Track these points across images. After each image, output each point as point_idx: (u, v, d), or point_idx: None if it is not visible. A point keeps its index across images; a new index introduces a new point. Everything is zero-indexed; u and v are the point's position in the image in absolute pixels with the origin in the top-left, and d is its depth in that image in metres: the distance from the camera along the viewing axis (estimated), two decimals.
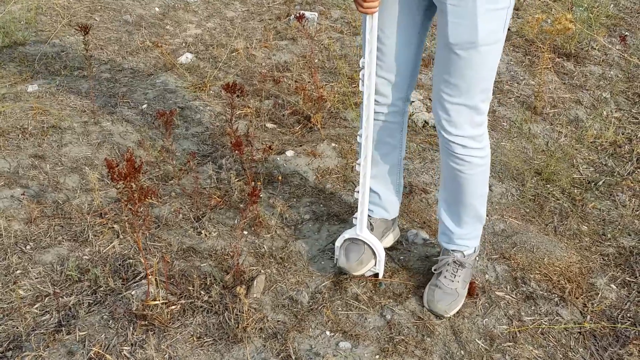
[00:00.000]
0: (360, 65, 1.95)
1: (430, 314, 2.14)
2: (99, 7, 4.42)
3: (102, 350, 1.93)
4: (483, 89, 1.89)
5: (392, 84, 2.06)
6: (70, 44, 3.90)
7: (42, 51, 3.77)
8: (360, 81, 1.97)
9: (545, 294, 2.29)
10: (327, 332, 2.04)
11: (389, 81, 2.05)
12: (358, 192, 2.12)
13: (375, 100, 2.03)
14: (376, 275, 2.26)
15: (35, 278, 2.22)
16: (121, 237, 2.43)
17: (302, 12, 3.45)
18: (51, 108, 3.21)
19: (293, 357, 1.95)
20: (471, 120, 1.93)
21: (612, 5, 5.01)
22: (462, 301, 2.17)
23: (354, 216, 2.18)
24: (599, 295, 2.32)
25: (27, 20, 4.08)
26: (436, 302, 2.13)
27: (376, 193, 2.27)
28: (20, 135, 2.97)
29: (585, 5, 4.80)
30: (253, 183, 2.57)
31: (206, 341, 1.98)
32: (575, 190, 2.88)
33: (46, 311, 2.10)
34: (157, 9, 4.50)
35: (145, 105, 3.32)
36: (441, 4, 1.81)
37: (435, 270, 2.23)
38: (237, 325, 2.01)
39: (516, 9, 4.85)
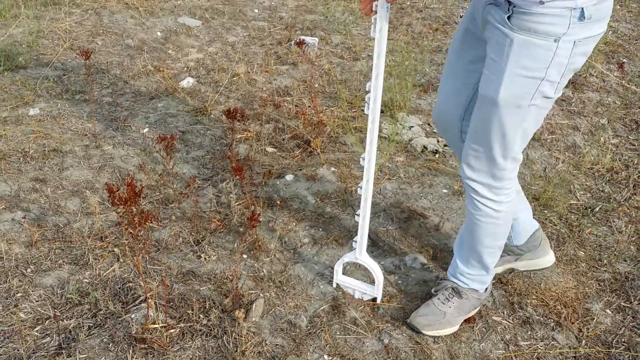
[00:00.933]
0: (367, 89, 1.97)
1: (428, 338, 2.15)
2: (101, 31, 4.47)
3: None
4: (502, 145, 1.87)
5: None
6: (72, 67, 3.95)
7: (43, 74, 3.82)
8: (366, 104, 1.99)
9: (542, 319, 2.30)
10: (325, 356, 2.05)
11: (441, 115, 2.16)
12: (358, 215, 2.14)
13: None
14: (374, 299, 2.28)
15: (36, 301, 2.24)
16: (121, 260, 2.44)
17: (302, 37, 3.50)
18: (52, 131, 3.24)
19: None
20: (489, 170, 1.94)
21: (610, 32, 5.08)
22: (449, 329, 2.17)
23: (354, 239, 2.21)
24: (594, 320, 2.33)
25: (28, 44, 4.14)
26: (417, 316, 2.16)
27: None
28: (21, 159, 3.00)
29: None
30: (253, 207, 2.60)
31: None
32: (573, 216, 2.90)
33: (47, 334, 2.11)
34: (159, 33, 4.55)
35: (146, 129, 3.36)
36: (486, 55, 1.84)
37: (433, 291, 2.25)
38: (235, 349, 2.03)
39: None
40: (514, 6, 1.67)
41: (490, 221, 2.04)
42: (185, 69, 4.11)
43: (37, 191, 2.80)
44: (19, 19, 4.43)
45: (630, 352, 2.20)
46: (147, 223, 1.95)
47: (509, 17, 1.69)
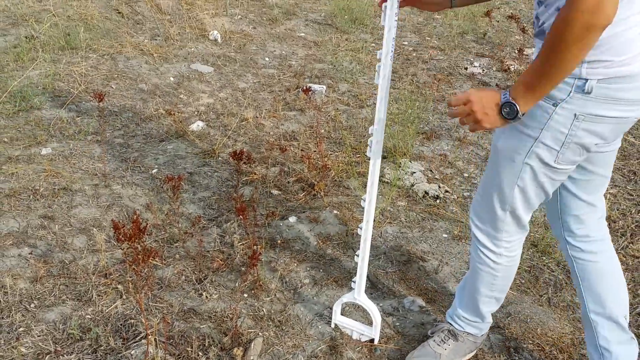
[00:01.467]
0: (370, 132, 2.03)
1: None
2: (116, 75, 4.61)
3: None
4: (500, 195, 1.87)
5: (552, 222, 2.09)
6: (86, 109, 4.07)
7: (57, 116, 3.93)
8: (369, 147, 2.05)
9: None
10: None
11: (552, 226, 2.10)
12: (358, 255, 2.18)
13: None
14: (372, 340, 2.30)
15: (38, 336, 2.27)
16: (124, 297, 2.48)
17: (309, 84, 3.60)
18: (63, 170, 3.33)
19: None
20: (490, 219, 1.94)
21: None
22: None
23: (353, 280, 2.24)
24: None
25: (44, 86, 4.27)
26: (413, 357, 2.18)
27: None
28: (31, 196, 3.08)
29: None
30: (255, 247, 2.64)
31: None
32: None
33: None
34: (172, 78, 4.68)
35: (155, 170, 3.44)
36: None
37: (429, 332, 2.27)
38: None
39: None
40: None
41: (487, 270, 2.04)
42: (196, 112, 4.21)
43: (44, 228, 2.86)
44: (36, 61, 4.58)
45: None
46: (150, 260, 2.00)
47: None
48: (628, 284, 2.80)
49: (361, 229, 2.16)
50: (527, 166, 1.76)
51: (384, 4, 1.85)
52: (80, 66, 4.63)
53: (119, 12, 5.89)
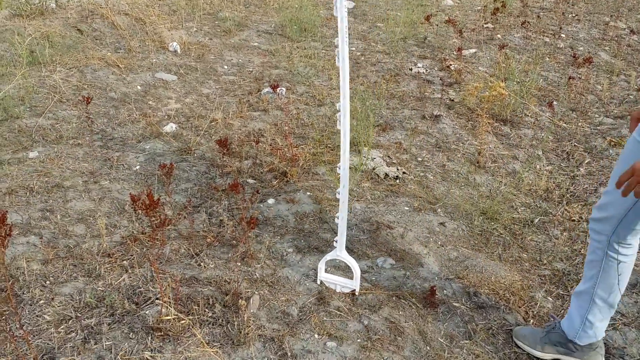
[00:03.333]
0: (337, 108, 2.39)
1: (400, 319, 2.56)
2: (86, 86, 4.87)
3: (128, 355, 2.27)
4: None
5: (601, 221, 2.22)
6: (63, 117, 4.32)
7: (38, 124, 4.18)
8: (338, 121, 2.40)
9: (494, 304, 2.74)
10: (316, 335, 2.43)
11: (600, 217, 2.23)
12: (338, 217, 2.56)
13: (590, 224, 2.30)
14: (353, 292, 2.68)
15: (58, 306, 2.56)
16: (130, 271, 2.79)
17: (275, 83, 3.97)
18: (52, 170, 3.59)
19: (289, 355, 2.33)
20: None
21: (541, 79, 5.73)
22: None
23: (334, 240, 2.62)
24: (538, 304, 2.78)
25: (21, 98, 4.50)
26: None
27: (571, 303, 2.45)
28: (28, 193, 3.34)
29: (518, 80, 5.50)
30: (248, 217, 2.98)
31: (215, 345, 2.35)
32: (515, 227, 3.38)
33: (72, 331, 2.43)
34: (139, 87, 4.98)
35: (138, 167, 3.74)
36: None
37: None
38: (239, 332, 2.39)
39: (458, 82, 5.52)
40: None
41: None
42: (166, 116, 4.52)
43: (46, 219, 3.13)
44: (10, 77, 4.80)
45: None
46: (165, 226, 2.32)
47: None
48: (566, 242, 3.28)
49: (339, 193, 2.53)
50: None
51: None
52: (51, 79, 4.87)
53: (78, 30, 6.12)
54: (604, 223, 2.20)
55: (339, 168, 2.49)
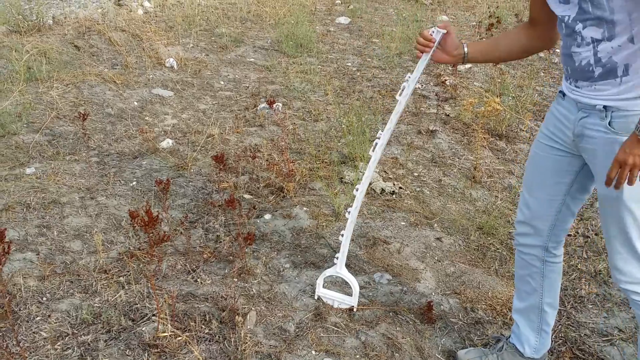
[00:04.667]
0: (378, 136, 2.44)
1: (397, 335, 2.56)
2: (82, 102, 4.89)
3: None
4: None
5: (531, 234, 2.22)
6: (60, 133, 4.33)
7: (35, 140, 4.18)
8: (373, 146, 2.45)
9: (491, 319, 2.74)
10: (313, 352, 2.43)
11: (529, 231, 2.22)
12: (343, 235, 2.57)
13: (517, 241, 2.29)
14: (350, 308, 2.68)
15: (54, 322, 2.55)
16: (126, 287, 2.78)
17: (273, 98, 3.99)
18: (49, 187, 3.60)
19: None
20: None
21: (536, 94, 5.77)
22: None
23: (335, 256, 2.62)
24: None
25: (17, 114, 4.51)
26: None
27: (517, 323, 2.41)
28: (24, 210, 3.34)
29: (513, 95, 5.54)
30: (245, 233, 2.99)
31: None
32: (512, 242, 3.39)
33: (68, 347, 2.42)
34: (135, 103, 4.99)
35: (134, 183, 3.74)
36: (587, 163, 1.96)
37: None
38: (236, 349, 2.38)
39: (453, 97, 5.55)
40: (613, 111, 1.79)
41: None
42: (163, 132, 4.54)
43: (43, 235, 3.13)
44: (7, 93, 4.81)
45: (566, 344, 2.64)
46: (163, 243, 2.33)
47: (609, 123, 1.79)
48: (563, 257, 3.27)
49: (349, 212, 2.54)
50: None
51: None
52: (49, 95, 4.88)
53: (75, 46, 6.15)
54: (534, 236, 2.21)
55: (356, 190, 2.51)
